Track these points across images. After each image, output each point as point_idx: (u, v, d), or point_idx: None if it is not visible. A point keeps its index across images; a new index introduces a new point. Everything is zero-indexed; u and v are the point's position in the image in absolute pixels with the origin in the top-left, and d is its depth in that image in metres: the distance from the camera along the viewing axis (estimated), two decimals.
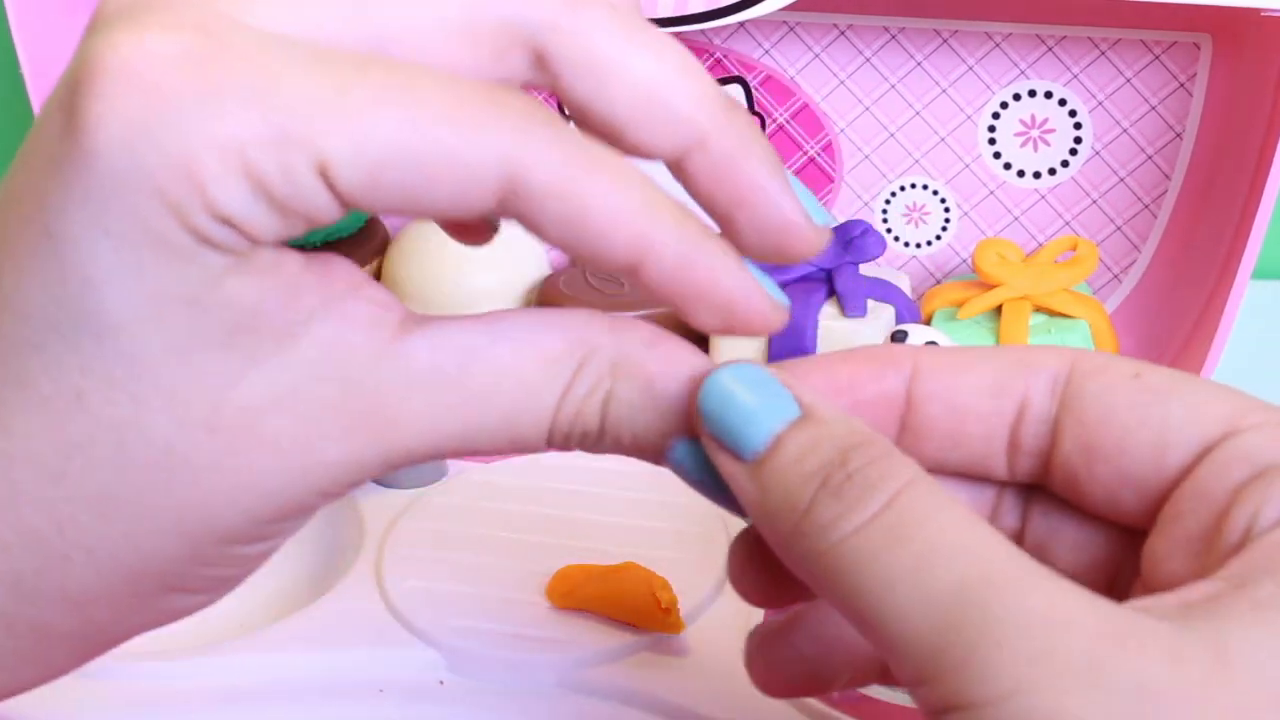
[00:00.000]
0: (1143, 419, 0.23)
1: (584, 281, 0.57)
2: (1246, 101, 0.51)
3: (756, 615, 0.42)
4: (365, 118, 0.21)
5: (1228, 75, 0.51)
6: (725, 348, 0.53)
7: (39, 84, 0.56)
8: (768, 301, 0.26)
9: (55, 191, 0.22)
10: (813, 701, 0.38)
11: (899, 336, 0.41)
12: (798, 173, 0.58)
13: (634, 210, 0.23)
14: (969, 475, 0.26)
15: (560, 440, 0.25)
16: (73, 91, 0.21)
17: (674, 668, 0.40)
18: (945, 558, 0.20)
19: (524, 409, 0.25)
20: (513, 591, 0.42)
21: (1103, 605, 0.20)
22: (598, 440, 0.25)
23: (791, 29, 0.55)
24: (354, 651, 0.40)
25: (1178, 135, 0.53)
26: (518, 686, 0.39)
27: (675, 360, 0.26)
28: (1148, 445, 0.23)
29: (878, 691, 0.39)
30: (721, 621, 0.42)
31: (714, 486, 0.24)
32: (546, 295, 0.56)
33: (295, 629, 0.41)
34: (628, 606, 0.41)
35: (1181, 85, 0.52)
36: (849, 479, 0.21)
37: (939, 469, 0.25)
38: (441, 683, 0.39)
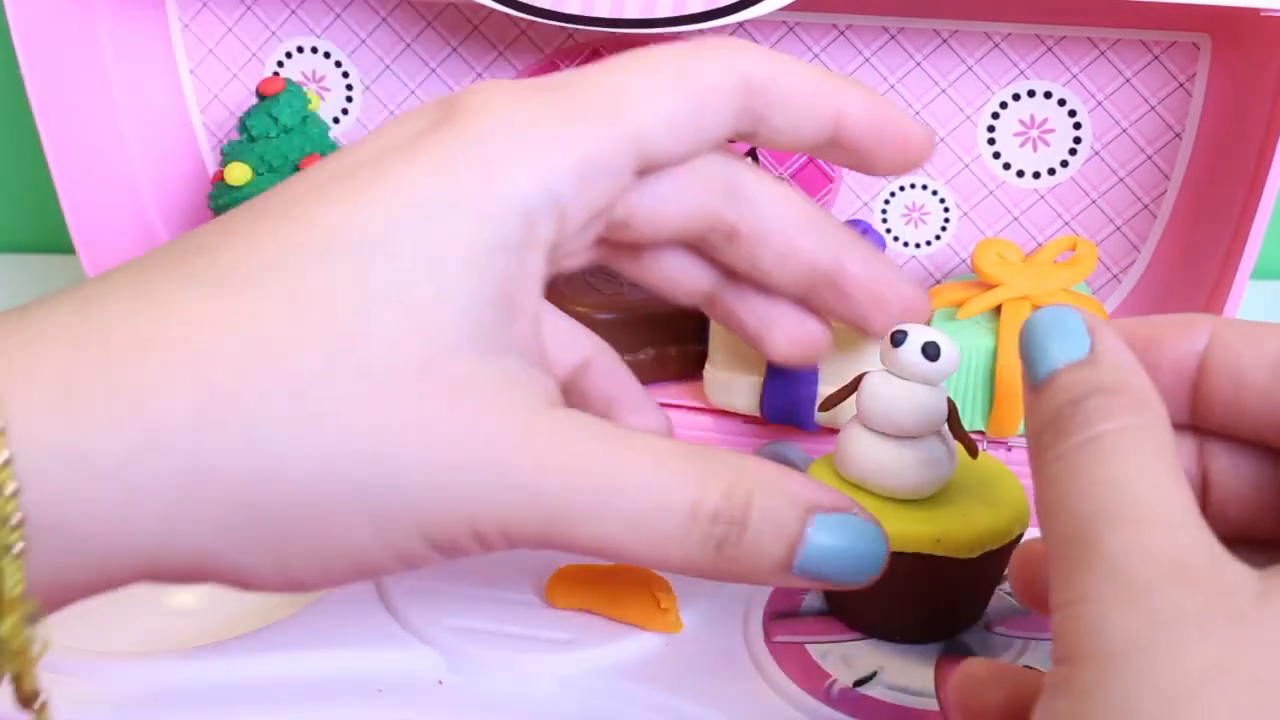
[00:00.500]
0: None
1: (583, 281, 0.57)
2: (1246, 101, 0.51)
3: (756, 616, 0.42)
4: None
5: (1227, 75, 0.51)
6: (719, 363, 0.53)
7: (39, 84, 0.56)
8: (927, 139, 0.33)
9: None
10: (813, 701, 0.38)
11: (898, 337, 0.41)
12: (797, 173, 0.58)
13: (830, 80, 0.32)
14: (1259, 444, 0.28)
15: (699, 538, 0.28)
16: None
17: (673, 668, 0.40)
18: (1101, 488, 0.23)
19: (662, 493, 0.27)
20: (512, 591, 0.42)
21: (1195, 552, 0.22)
22: (739, 538, 0.28)
23: (791, 29, 0.55)
24: (353, 651, 0.40)
25: (1177, 135, 0.53)
26: (517, 686, 0.39)
27: (790, 471, 0.30)
28: None
29: (878, 692, 0.39)
30: (721, 621, 0.42)
31: (850, 557, 0.28)
32: (546, 295, 0.56)
33: (294, 629, 0.41)
34: (628, 606, 0.41)
35: (1181, 85, 0.52)
36: (1076, 412, 0.25)
37: (1230, 436, 0.28)
38: (441, 683, 0.39)
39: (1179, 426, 0.27)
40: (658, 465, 0.27)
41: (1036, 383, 0.26)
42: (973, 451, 0.42)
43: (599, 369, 0.34)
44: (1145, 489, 0.23)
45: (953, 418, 0.42)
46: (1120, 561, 0.22)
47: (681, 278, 0.35)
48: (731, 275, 0.35)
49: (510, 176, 0.27)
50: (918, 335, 0.41)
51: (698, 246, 0.34)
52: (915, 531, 0.40)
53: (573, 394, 0.34)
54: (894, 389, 0.41)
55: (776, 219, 0.33)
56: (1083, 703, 0.22)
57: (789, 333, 0.36)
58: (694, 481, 0.27)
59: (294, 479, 0.25)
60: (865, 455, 0.41)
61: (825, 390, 0.51)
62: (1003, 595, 0.44)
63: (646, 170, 0.30)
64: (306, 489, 0.25)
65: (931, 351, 0.40)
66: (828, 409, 0.46)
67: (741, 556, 0.27)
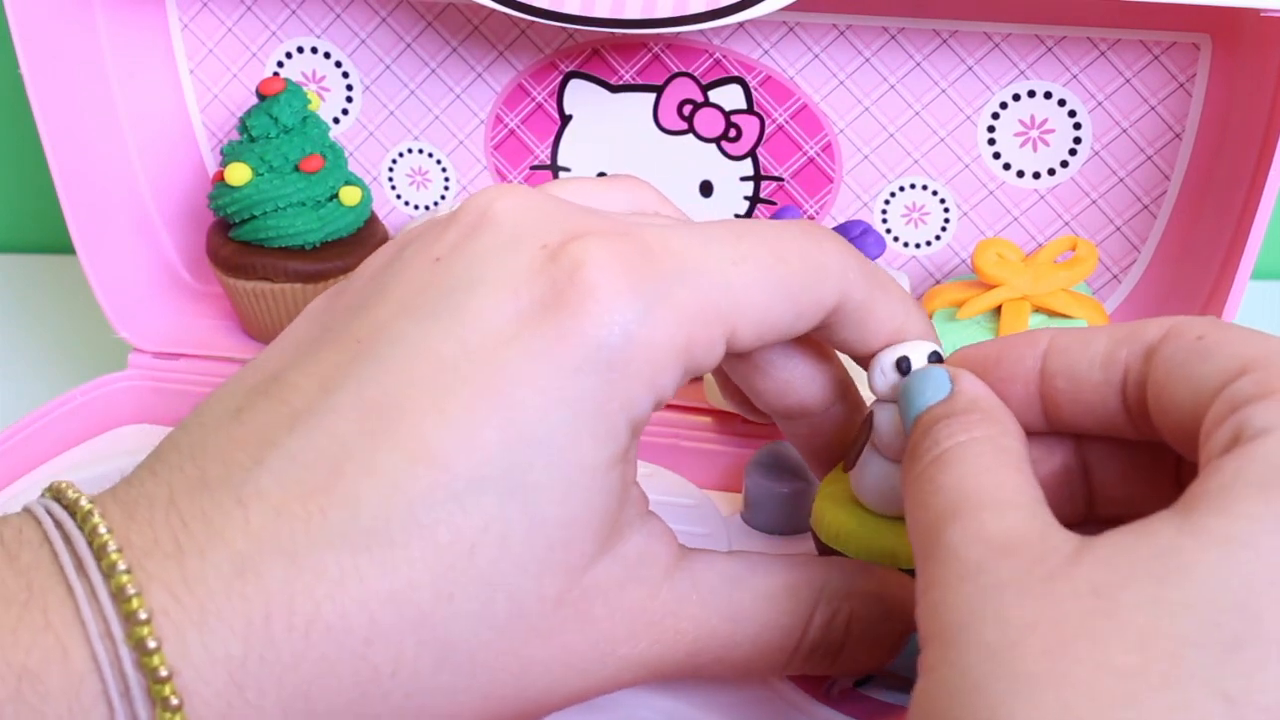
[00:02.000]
0: (1187, 373, 0.27)
1: None
2: (1246, 101, 0.51)
3: None
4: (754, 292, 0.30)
5: (1227, 75, 0.51)
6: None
7: (39, 84, 0.56)
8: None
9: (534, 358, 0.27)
10: (812, 702, 0.38)
11: (904, 364, 0.41)
12: (797, 173, 0.58)
13: (904, 308, 0.35)
14: (1112, 437, 0.30)
15: (803, 656, 0.32)
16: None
17: None
18: (944, 491, 0.27)
19: (776, 626, 0.31)
20: None
21: (1023, 529, 0.25)
22: (837, 654, 0.32)
23: (791, 29, 0.55)
24: None
25: (1177, 135, 0.53)
26: None
27: (889, 580, 0.33)
28: (1189, 393, 0.27)
29: (878, 692, 0.39)
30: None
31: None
32: None
33: None
34: None
35: (1181, 85, 0.52)
36: (926, 436, 0.29)
37: (1081, 431, 0.31)
38: None
39: (1041, 432, 0.31)
40: (769, 611, 0.30)
41: (907, 430, 0.30)
42: None
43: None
44: (982, 484, 0.26)
45: None
46: (956, 548, 0.25)
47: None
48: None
49: (631, 392, 0.28)
50: (919, 354, 0.40)
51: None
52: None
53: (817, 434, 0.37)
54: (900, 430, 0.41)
55: (798, 371, 0.35)
56: (931, 678, 0.24)
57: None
58: (798, 623, 0.31)
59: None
60: (886, 483, 0.41)
61: None
62: None
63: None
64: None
65: (905, 366, 0.40)
66: (850, 468, 0.46)
67: (835, 668, 0.31)
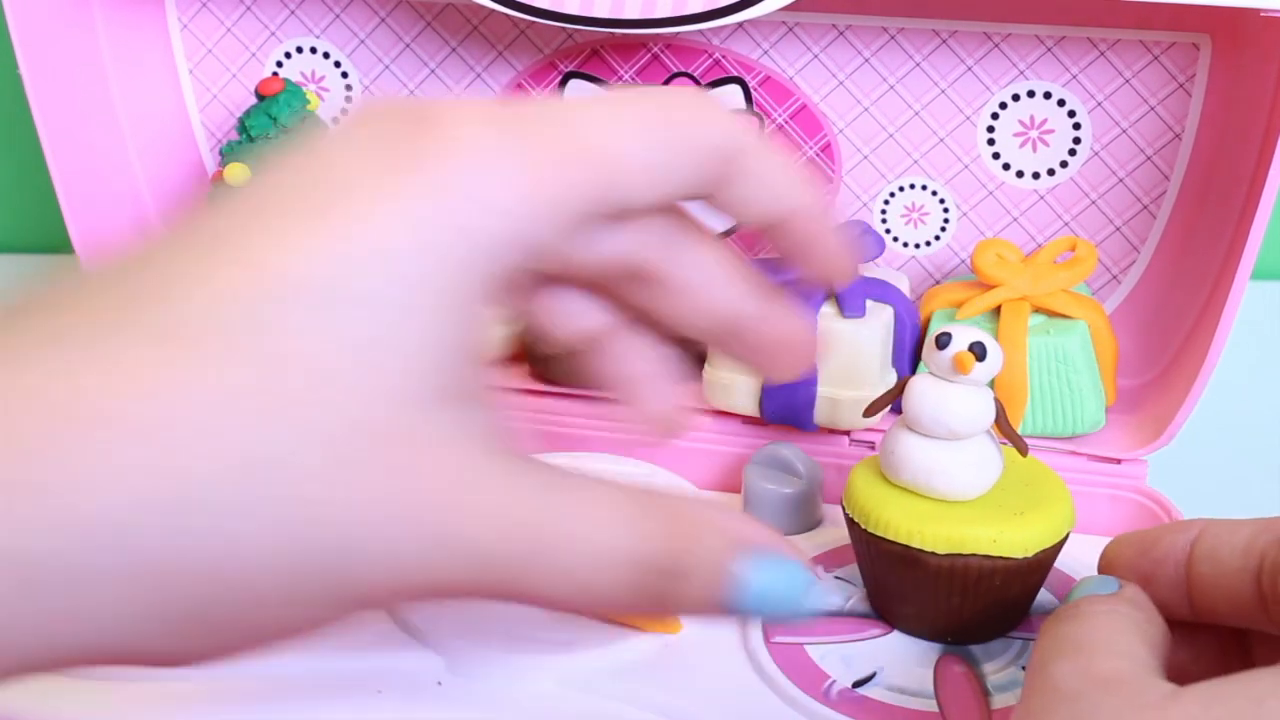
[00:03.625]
0: None
1: None
2: (1246, 101, 0.51)
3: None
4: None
5: (1227, 75, 0.51)
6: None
7: (39, 84, 0.56)
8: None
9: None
10: (811, 702, 0.38)
11: (943, 339, 0.41)
12: None
13: (794, 173, 0.32)
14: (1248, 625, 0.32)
15: (638, 590, 0.27)
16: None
17: (673, 668, 0.40)
18: (1064, 639, 0.30)
19: (611, 521, 0.27)
20: None
21: (1129, 672, 0.28)
22: (676, 589, 0.28)
23: (790, 29, 0.55)
24: (353, 651, 0.40)
25: (1177, 136, 0.53)
26: (516, 686, 0.39)
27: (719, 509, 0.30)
28: None
29: (876, 693, 0.39)
30: (720, 622, 0.42)
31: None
32: None
33: None
34: None
35: (1181, 85, 0.52)
36: (1075, 604, 0.32)
37: (1221, 620, 0.32)
38: (439, 683, 0.39)
39: (1186, 619, 0.32)
40: (596, 517, 0.26)
41: (1062, 608, 0.32)
42: (1023, 450, 0.42)
43: (614, 349, 0.32)
44: (1099, 637, 0.29)
45: (1001, 418, 0.42)
46: (1058, 680, 0.27)
47: (573, 313, 0.32)
48: (627, 318, 0.33)
49: (484, 219, 0.25)
50: (963, 336, 0.41)
51: (603, 285, 0.32)
52: (970, 533, 0.40)
53: (585, 369, 0.33)
54: (941, 391, 0.41)
55: (705, 273, 0.33)
56: None
57: (659, 399, 0.33)
58: (633, 534, 0.27)
59: (238, 566, 0.23)
60: (914, 458, 0.41)
61: (824, 392, 0.51)
62: None
63: (609, 216, 0.29)
64: (248, 574, 0.24)
65: (979, 351, 0.41)
66: (873, 414, 0.47)
67: (680, 603, 0.28)
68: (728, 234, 0.60)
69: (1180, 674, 0.29)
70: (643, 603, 0.27)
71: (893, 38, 0.54)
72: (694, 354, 0.56)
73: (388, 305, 0.24)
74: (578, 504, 0.26)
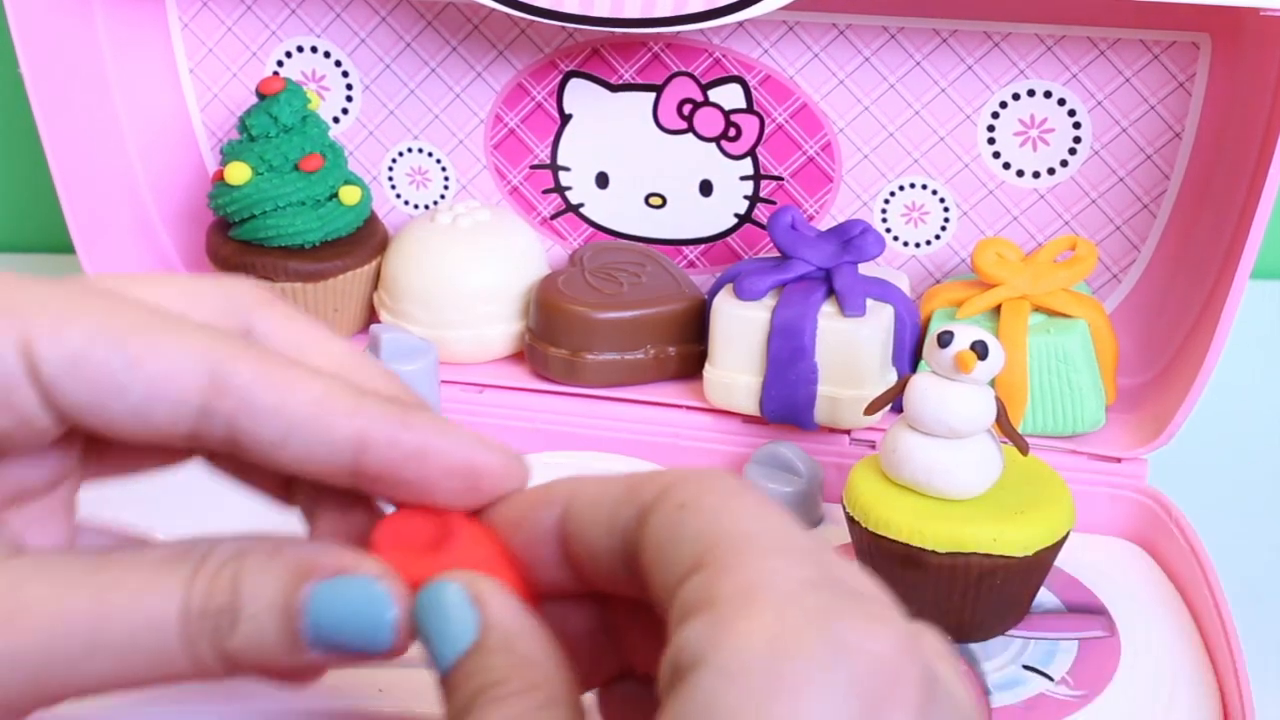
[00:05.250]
0: (662, 556, 0.24)
1: (583, 281, 0.57)
2: (1246, 101, 0.51)
3: None
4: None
5: (1227, 75, 0.51)
6: (721, 357, 0.53)
7: (39, 84, 0.56)
8: (502, 455, 0.27)
9: None
10: None
11: (944, 338, 0.41)
12: (797, 173, 0.58)
13: (343, 392, 0.26)
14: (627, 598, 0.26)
15: (195, 631, 0.26)
16: None
17: None
18: None
19: (149, 592, 0.25)
20: None
21: None
22: (234, 622, 0.26)
23: (791, 28, 0.55)
24: None
25: (1177, 135, 0.53)
26: None
27: (286, 541, 0.27)
28: (663, 580, 0.24)
29: None
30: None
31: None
32: (545, 295, 0.56)
33: None
34: None
35: (1181, 85, 0.52)
36: (469, 710, 0.24)
37: (609, 594, 0.27)
38: None
39: (576, 592, 0.27)
40: (139, 584, 0.25)
41: (443, 677, 0.25)
42: (1023, 449, 0.42)
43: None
44: None
45: (1001, 417, 0.42)
46: None
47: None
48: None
49: None
50: (965, 335, 0.41)
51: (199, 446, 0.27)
52: (971, 532, 0.40)
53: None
54: (943, 390, 0.41)
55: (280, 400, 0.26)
56: None
57: (335, 520, 0.28)
58: (178, 583, 0.25)
59: None
60: (915, 457, 0.41)
61: (824, 391, 0.52)
62: None
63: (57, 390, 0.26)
64: None
65: (981, 350, 0.41)
66: (873, 412, 0.47)
67: (245, 647, 0.25)
68: (737, 228, 0.60)
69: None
70: (209, 658, 0.26)
71: (893, 37, 0.54)
72: (694, 354, 0.56)
73: None
74: (123, 573, 0.25)
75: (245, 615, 0.25)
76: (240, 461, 0.27)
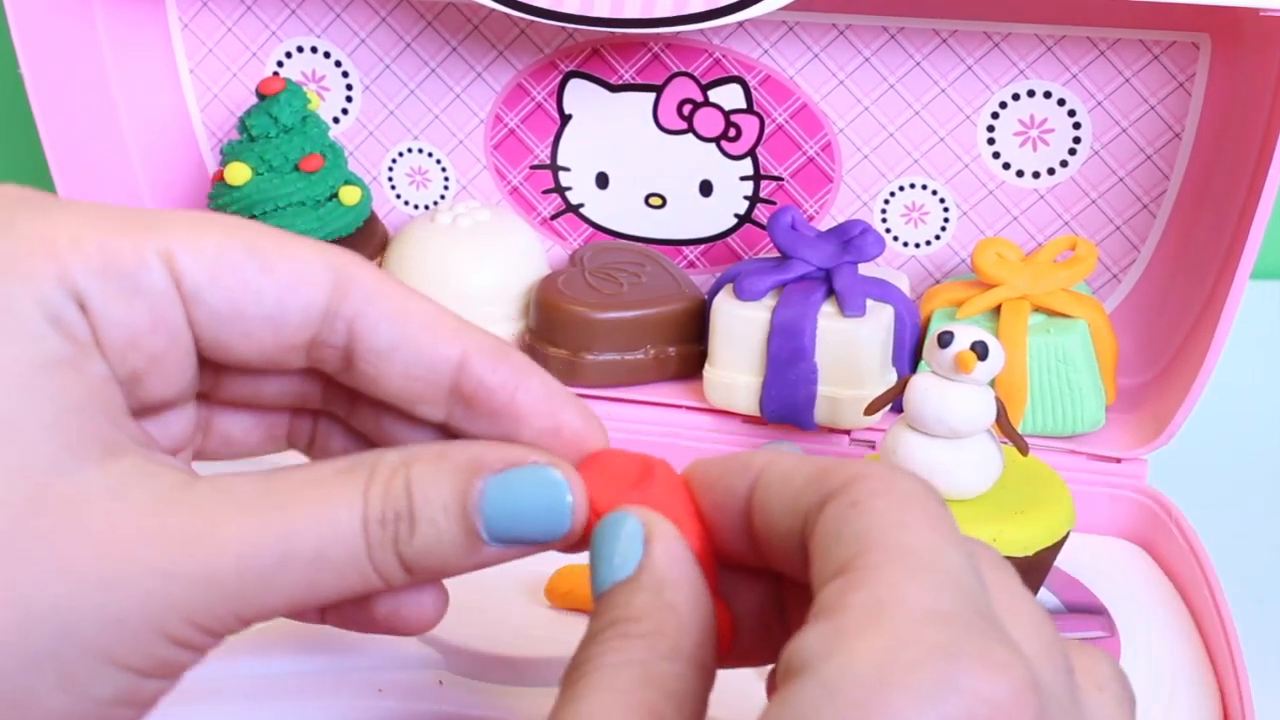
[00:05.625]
0: (824, 552, 0.24)
1: (583, 281, 0.57)
2: (1246, 101, 0.51)
3: None
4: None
5: (1227, 75, 0.51)
6: (721, 359, 0.53)
7: (39, 84, 0.56)
8: (583, 413, 0.28)
9: None
10: None
11: (945, 338, 0.41)
12: (797, 173, 0.58)
13: (451, 316, 0.28)
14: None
15: (376, 537, 0.26)
16: None
17: None
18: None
19: (330, 503, 0.26)
20: (512, 591, 0.42)
21: None
22: (412, 525, 0.26)
23: (791, 29, 0.55)
24: (353, 651, 0.40)
25: (1177, 135, 0.53)
26: (517, 686, 0.39)
27: (451, 446, 0.28)
28: (820, 576, 0.24)
29: None
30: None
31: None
32: (545, 294, 0.56)
33: (295, 629, 0.40)
34: None
35: (1181, 85, 0.52)
36: (588, 644, 0.25)
37: (782, 572, 0.27)
38: (440, 682, 0.40)
39: (753, 565, 0.27)
40: (319, 498, 0.26)
41: (596, 597, 0.26)
42: (1023, 449, 0.42)
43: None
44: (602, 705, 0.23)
45: (1001, 417, 0.42)
46: None
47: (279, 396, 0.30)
48: (354, 402, 0.30)
49: (27, 281, 0.25)
50: (965, 335, 0.41)
51: (309, 368, 0.29)
52: (971, 531, 0.40)
53: (455, 406, 0.28)
54: (943, 390, 0.41)
55: (395, 326, 0.28)
56: None
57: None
58: (355, 494, 0.26)
59: None
60: (915, 457, 0.41)
61: (824, 391, 0.52)
62: None
63: (191, 312, 0.27)
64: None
65: (981, 350, 0.41)
66: (873, 412, 0.47)
67: (424, 550, 0.26)
68: (746, 217, 0.60)
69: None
70: (391, 565, 0.26)
71: (893, 37, 0.54)
72: (694, 354, 0.56)
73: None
74: (299, 491, 0.26)
75: (422, 519, 0.26)
76: (345, 400, 0.29)
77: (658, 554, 0.26)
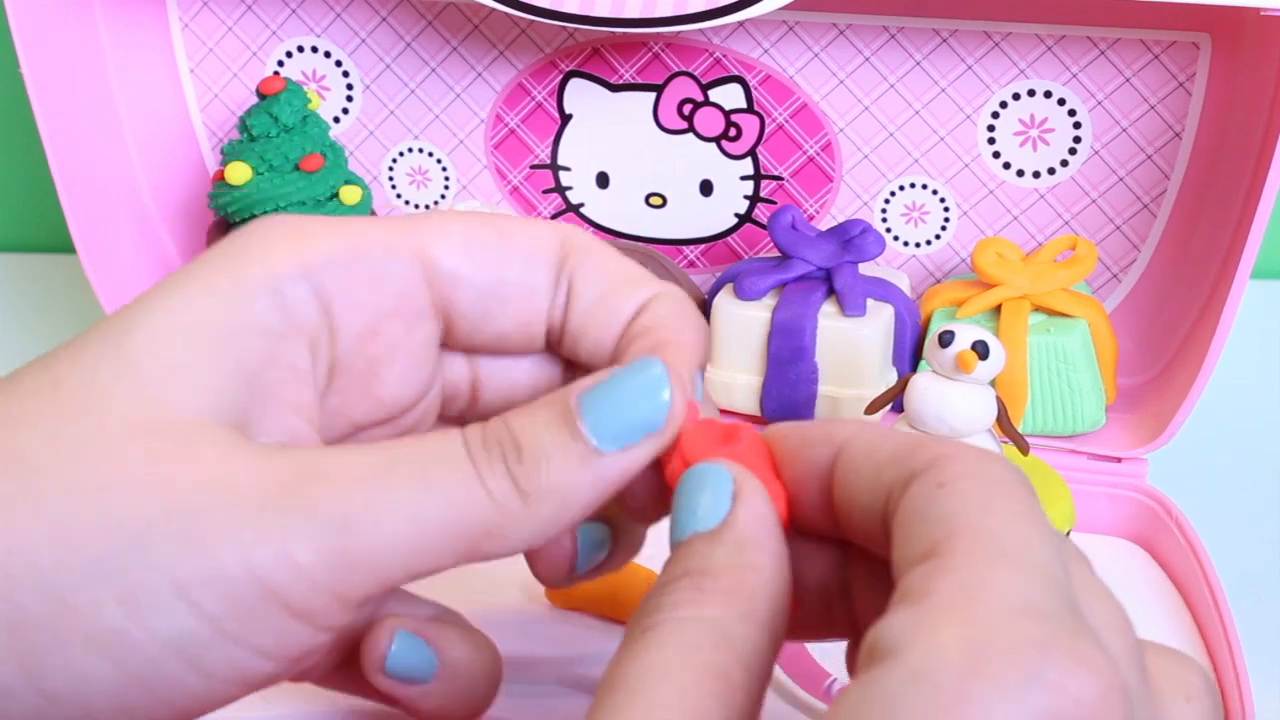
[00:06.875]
0: (907, 531, 0.24)
1: None
2: (1246, 101, 0.51)
3: None
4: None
5: (1227, 75, 0.51)
6: (725, 358, 0.53)
7: (39, 84, 0.56)
8: (681, 395, 0.28)
9: None
10: (813, 700, 0.38)
11: (945, 337, 0.41)
12: (797, 172, 0.58)
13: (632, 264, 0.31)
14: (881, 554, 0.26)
15: (489, 475, 0.26)
16: None
17: None
18: (627, 675, 0.23)
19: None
20: (513, 591, 0.42)
21: None
22: (519, 454, 0.27)
23: (791, 28, 0.55)
24: None
25: (1177, 135, 0.53)
26: (518, 686, 0.39)
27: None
28: (903, 558, 0.24)
29: None
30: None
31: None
32: None
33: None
34: (628, 606, 0.41)
35: (1181, 85, 0.52)
36: (665, 590, 0.25)
37: (860, 544, 0.26)
38: None
39: (829, 535, 0.27)
40: (420, 447, 0.27)
41: (674, 544, 0.26)
42: (1024, 449, 0.42)
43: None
44: (654, 678, 0.23)
45: (1002, 416, 0.42)
46: None
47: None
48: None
49: (262, 261, 0.27)
50: (966, 335, 0.41)
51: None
52: None
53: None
54: (943, 390, 0.41)
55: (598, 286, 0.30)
56: None
57: None
58: (453, 437, 0.27)
59: (34, 565, 0.24)
60: None
61: (825, 391, 0.52)
62: None
63: (451, 294, 0.30)
64: (50, 574, 0.24)
65: (982, 350, 0.41)
66: (874, 411, 0.47)
67: (536, 470, 0.26)
68: (749, 217, 0.60)
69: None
70: (507, 491, 0.26)
71: (893, 37, 0.54)
72: None
73: (166, 333, 0.26)
74: (401, 448, 0.27)
75: (525, 438, 0.26)
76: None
77: (744, 511, 0.25)
